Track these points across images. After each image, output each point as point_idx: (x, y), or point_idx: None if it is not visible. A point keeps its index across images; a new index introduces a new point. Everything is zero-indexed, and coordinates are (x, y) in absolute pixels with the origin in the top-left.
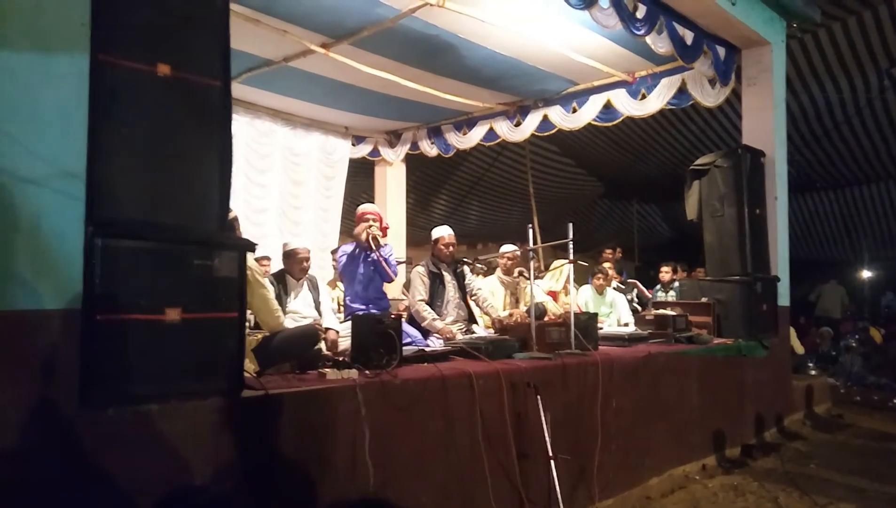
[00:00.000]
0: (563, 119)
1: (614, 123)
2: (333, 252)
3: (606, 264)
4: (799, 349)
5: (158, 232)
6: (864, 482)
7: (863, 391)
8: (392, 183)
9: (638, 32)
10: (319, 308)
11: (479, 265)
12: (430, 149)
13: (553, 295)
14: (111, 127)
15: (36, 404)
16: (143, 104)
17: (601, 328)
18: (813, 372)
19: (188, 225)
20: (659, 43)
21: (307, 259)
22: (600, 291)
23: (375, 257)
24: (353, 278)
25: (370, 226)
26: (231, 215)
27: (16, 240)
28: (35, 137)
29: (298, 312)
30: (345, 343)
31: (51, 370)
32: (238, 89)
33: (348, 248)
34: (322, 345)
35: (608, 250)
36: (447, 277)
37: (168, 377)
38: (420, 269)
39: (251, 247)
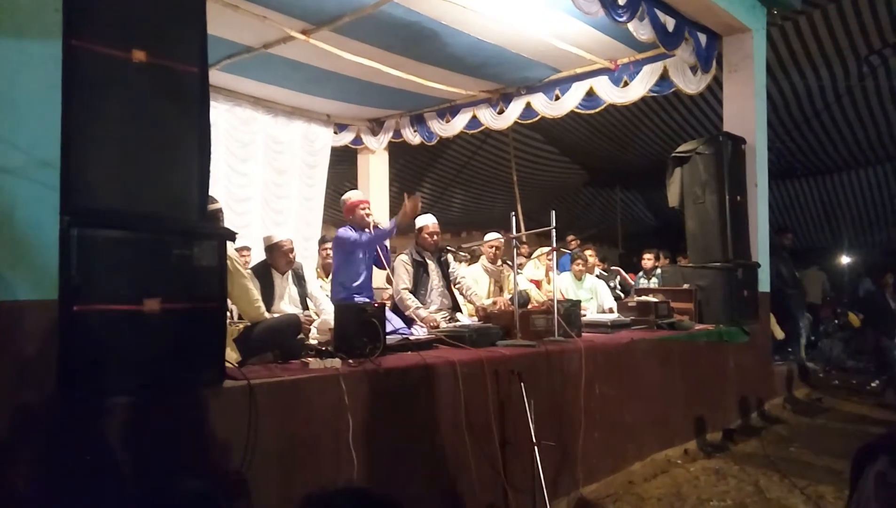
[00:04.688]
0: (546, 106)
1: (597, 110)
2: (322, 242)
3: (587, 251)
4: (779, 334)
5: (136, 221)
6: (843, 464)
7: (842, 375)
8: (375, 171)
9: (619, 19)
10: (307, 301)
11: (462, 254)
12: (412, 137)
13: (537, 283)
14: (86, 114)
15: (14, 396)
16: (119, 91)
17: (584, 315)
18: (793, 357)
19: (166, 214)
20: (640, 30)
21: (292, 250)
22: (579, 277)
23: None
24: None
25: (369, 215)
26: (216, 206)
27: None
28: (10, 125)
29: (284, 312)
30: None
31: (28, 362)
32: (217, 77)
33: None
34: (315, 332)
35: (570, 236)
36: (431, 265)
37: (148, 367)
38: (404, 257)
39: (231, 236)
